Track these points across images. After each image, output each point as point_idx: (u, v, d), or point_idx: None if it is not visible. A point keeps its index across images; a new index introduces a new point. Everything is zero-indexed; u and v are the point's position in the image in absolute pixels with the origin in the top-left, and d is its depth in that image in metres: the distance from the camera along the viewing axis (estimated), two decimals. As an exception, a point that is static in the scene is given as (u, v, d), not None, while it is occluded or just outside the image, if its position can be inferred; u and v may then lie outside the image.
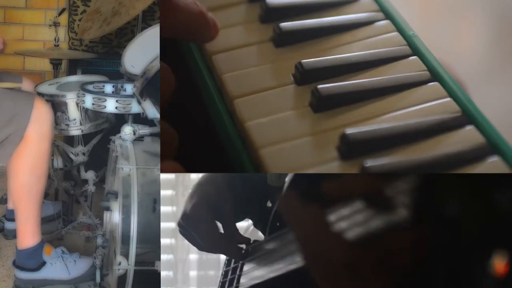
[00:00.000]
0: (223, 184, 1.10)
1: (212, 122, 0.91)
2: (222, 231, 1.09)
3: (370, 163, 0.78)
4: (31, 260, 1.88)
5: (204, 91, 0.93)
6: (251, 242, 1.07)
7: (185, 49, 0.98)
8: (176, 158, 0.81)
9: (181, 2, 0.84)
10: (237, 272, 1.04)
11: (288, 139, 0.83)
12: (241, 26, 0.98)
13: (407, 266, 0.58)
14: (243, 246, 1.08)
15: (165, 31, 0.85)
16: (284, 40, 0.94)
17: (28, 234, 1.87)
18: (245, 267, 1.03)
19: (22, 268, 1.89)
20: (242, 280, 1.02)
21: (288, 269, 0.88)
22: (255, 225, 1.12)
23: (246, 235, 1.10)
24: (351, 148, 0.81)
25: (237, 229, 1.10)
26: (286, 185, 1.00)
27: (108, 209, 1.77)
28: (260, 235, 1.08)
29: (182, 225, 1.10)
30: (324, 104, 0.86)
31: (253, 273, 1.00)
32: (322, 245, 0.65)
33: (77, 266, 1.91)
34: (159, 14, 2.63)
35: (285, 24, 0.95)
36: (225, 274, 1.09)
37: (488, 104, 0.88)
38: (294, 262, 0.87)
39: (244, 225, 1.17)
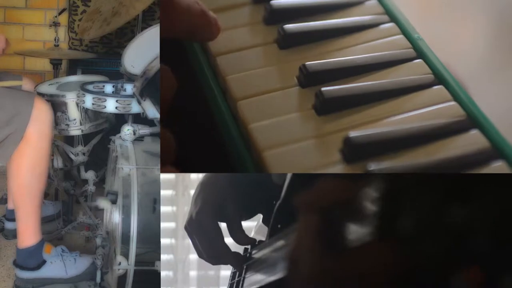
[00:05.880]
0: (226, 183, 1.09)
1: (215, 122, 0.91)
2: (227, 231, 1.08)
3: (373, 166, 0.78)
4: (31, 259, 1.88)
5: (207, 92, 0.93)
6: (257, 242, 1.06)
7: (189, 50, 0.98)
8: (175, 162, 0.80)
9: (182, 1, 0.83)
10: (241, 285, 1.02)
11: (291, 141, 0.83)
12: (245, 27, 0.97)
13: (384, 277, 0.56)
14: (248, 246, 1.06)
15: (165, 31, 0.85)
16: (289, 42, 0.94)
17: (28, 233, 1.87)
18: (247, 274, 1.02)
19: (22, 267, 1.89)
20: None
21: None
22: (263, 221, 1.10)
23: (252, 235, 1.09)
24: (354, 151, 0.80)
25: (242, 229, 1.08)
26: (287, 183, 0.99)
27: (99, 208, 1.76)
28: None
29: (189, 229, 1.09)
30: (328, 107, 0.86)
31: (252, 277, 0.98)
32: (306, 254, 0.64)
33: (76, 265, 1.90)
34: (159, 14, 2.63)
35: (290, 26, 0.94)
36: (230, 287, 1.08)
37: (488, 103, 0.88)
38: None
39: (251, 225, 1.15)
